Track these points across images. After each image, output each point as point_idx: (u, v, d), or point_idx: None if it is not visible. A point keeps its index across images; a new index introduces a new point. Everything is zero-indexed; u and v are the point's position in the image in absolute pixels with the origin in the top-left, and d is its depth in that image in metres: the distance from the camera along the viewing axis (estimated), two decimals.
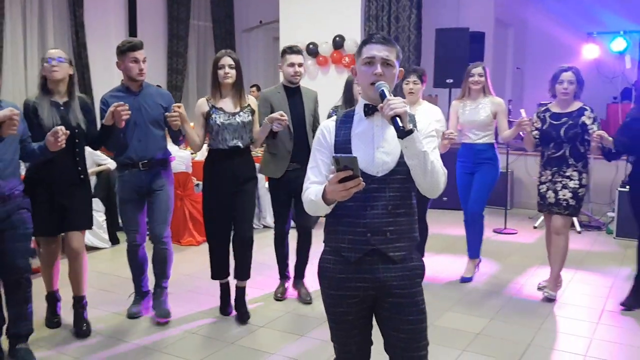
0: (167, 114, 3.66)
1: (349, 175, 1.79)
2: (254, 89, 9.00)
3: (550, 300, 4.31)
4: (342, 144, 2.07)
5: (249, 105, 3.89)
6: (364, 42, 2.07)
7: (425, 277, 2.19)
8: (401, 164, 2.01)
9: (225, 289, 4.07)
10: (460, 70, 7.77)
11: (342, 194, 1.83)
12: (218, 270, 4.02)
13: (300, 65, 4.08)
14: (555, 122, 4.23)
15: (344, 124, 2.12)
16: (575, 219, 6.61)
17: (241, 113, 3.83)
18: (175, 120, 3.61)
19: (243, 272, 3.99)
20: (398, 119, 1.87)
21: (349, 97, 4.23)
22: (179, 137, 3.87)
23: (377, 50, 2.02)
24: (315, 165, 2.12)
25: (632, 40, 7.56)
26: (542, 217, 6.86)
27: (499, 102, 4.69)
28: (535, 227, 6.75)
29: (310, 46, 8.58)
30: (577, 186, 4.19)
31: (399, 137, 1.89)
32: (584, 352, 3.47)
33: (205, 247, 4.15)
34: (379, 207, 2.01)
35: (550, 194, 4.27)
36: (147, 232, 3.98)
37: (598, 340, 3.66)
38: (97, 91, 7.76)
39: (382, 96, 1.95)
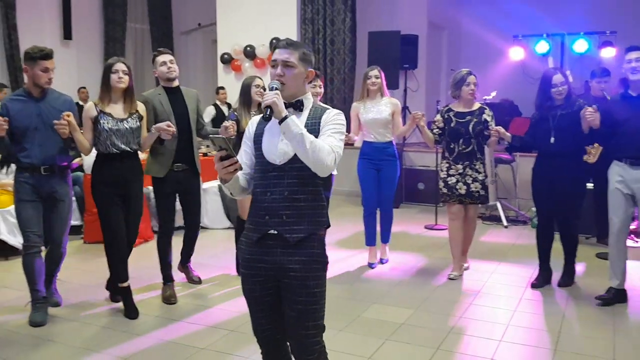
0: (55, 121, 3.69)
1: (225, 155, 2.07)
2: (223, 91, 8.90)
3: (454, 279, 4.82)
4: (258, 136, 2.32)
5: (137, 111, 3.99)
6: (274, 47, 2.30)
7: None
8: None
9: (127, 293, 4.07)
10: (393, 72, 8.05)
11: (222, 172, 2.11)
12: (121, 273, 4.05)
13: (171, 62, 4.23)
14: (461, 120, 4.64)
15: (265, 118, 2.28)
16: (502, 214, 6.91)
17: (129, 119, 3.93)
18: (63, 129, 3.69)
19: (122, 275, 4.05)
20: (269, 109, 2.12)
21: (246, 99, 4.56)
22: (70, 145, 3.91)
23: (278, 54, 2.26)
24: (240, 154, 2.34)
25: (554, 43, 7.93)
26: None
27: (396, 102, 5.10)
28: None
29: (248, 48, 8.66)
30: (484, 177, 4.71)
31: (264, 119, 2.17)
32: (499, 337, 3.67)
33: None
34: (277, 193, 2.22)
35: (461, 185, 4.67)
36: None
37: (514, 326, 3.87)
38: None
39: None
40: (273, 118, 2.19)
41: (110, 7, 9.51)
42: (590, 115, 4.03)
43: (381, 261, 5.27)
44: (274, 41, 8.43)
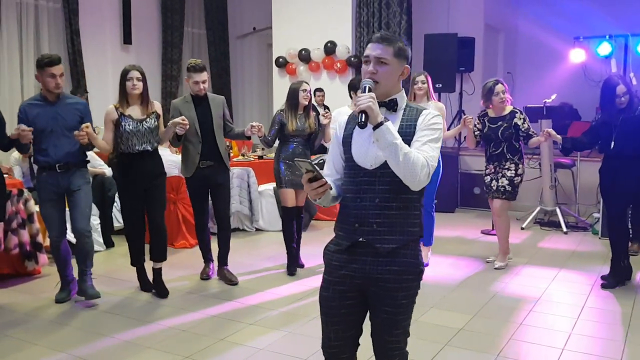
0: (75, 132, 3.98)
1: (313, 177, 2.03)
2: (321, 93, 8.58)
3: (499, 269, 5.16)
4: (346, 138, 2.22)
5: (154, 111, 4.37)
6: (367, 42, 2.20)
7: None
8: None
9: (141, 270, 4.61)
10: (450, 75, 7.96)
11: (311, 193, 2.06)
12: (137, 258, 4.57)
13: (204, 82, 4.57)
14: (493, 126, 5.05)
15: (353, 119, 2.23)
16: (562, 220, 6.74)
17: (147, 119, 4.30)
18: (83, 139, 4.00)
19: (159, 254, 4.52)
20: (363, 114, 1.98)
21: (293, 103, 4.88)
22: (89, 149, 4.29)
23: (372, 50, 2.12)
24: (330, 159, 2.30)
25: (617, 45, 7.68)
26: (529, 218, 7.02)
27: (441, 106, 5.23)
28: (522, 228, 6.86)
29: (303, 52, 8.72)
30: (514, 175, 5.05)
31: (373, 129, 2.01)
32: (562, 346, 3.58)
33: (198, 251, 4.69)
34: (367, 199, 2.11)
35: (494, 183, 5.13)
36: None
37: (577, 334, 3.77)
38: (93, 96, 7.86)
39: (362, 93, 2.08)
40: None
41: (168, 13, 9.73)
42: None
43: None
44: (329, 44, 8.48)
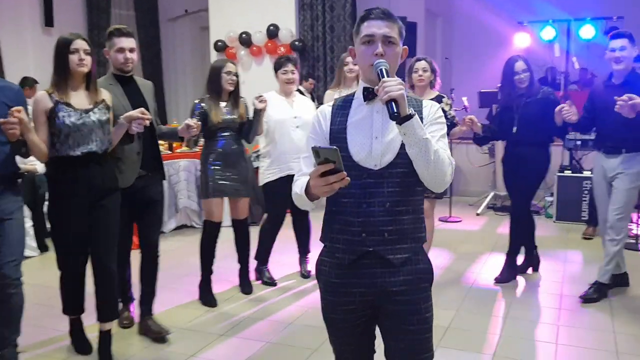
0: (1, 120, 2.73)
1: (330, 169, 1.60)
2: (311, 80, 8.04)
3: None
4: (337, 132, 1.86)
5: (103, 100, 3.11)
6: (363, 19, 1.84)
7: None
8: (402, 155, 1.79)
9: (77, 325, 3.35)
10: None
11: (324, 189, 1.64)
12: (70, 304, 3.28)
13: (132, 51, 3.37)
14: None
15: (341, 109, 1.91)
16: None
17: (96, 110, 3.04)
18: (12, 129, 2.72)
19: (108, 311, 3.20)
20: (393, 103, 1.65)
21: (215, 87, 3.99)
22: (20, 149, 2.97)
23: (377, 27, 1.79)
24: (308, 154, 1.88)
25: (560, 29, 7.74)
26: (484, 204, 6.97)
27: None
28: (478, 214, 6.81)
29: (243, 35, 8.27)
30: None
31: (395, 123, 1.70)
32: (554, 340, 3.45)
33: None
34: (375, 204, 1.78)
35: None
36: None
37: (564, 326, 3.66)
38: (11, 80, 7.10)
39: (380, 77, 1.74)
40: (368, 111, 1.84)
41: None
42: (567, 113, 3.91)
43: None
44: (272, 27, 8.08)
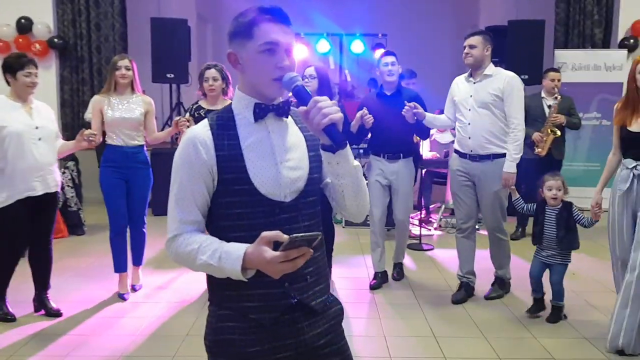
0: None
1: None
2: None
3: None
4: (230, 159, 1.45)
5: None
6: (256, 21, 1.45)
7: None
8: (312, 181, 1.52)
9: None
10: (184, 65, 7.13)
11: (287, 271, 1.35)
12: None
13: None
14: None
15: (225, 130, 1.47)
16: None
17: None
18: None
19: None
20: (333, 127, 1.38)
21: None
22: None
23: (282, 33, 1.45)
24: (184, 196, 1.45)
25: (334, 43, 8.04)
26: None
27: (149, 101, 4.24)
28: None
29: None
30: None
31: (331, 151, 1.42)
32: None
33: None
34: None
35: None
36: None
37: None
38: None
39: (301, 96, 1.41)
40: (262, 131, 1.49)
41: None
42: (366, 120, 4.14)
43: (133, 288, 4.33)
44: (23, 21, 6.90)
